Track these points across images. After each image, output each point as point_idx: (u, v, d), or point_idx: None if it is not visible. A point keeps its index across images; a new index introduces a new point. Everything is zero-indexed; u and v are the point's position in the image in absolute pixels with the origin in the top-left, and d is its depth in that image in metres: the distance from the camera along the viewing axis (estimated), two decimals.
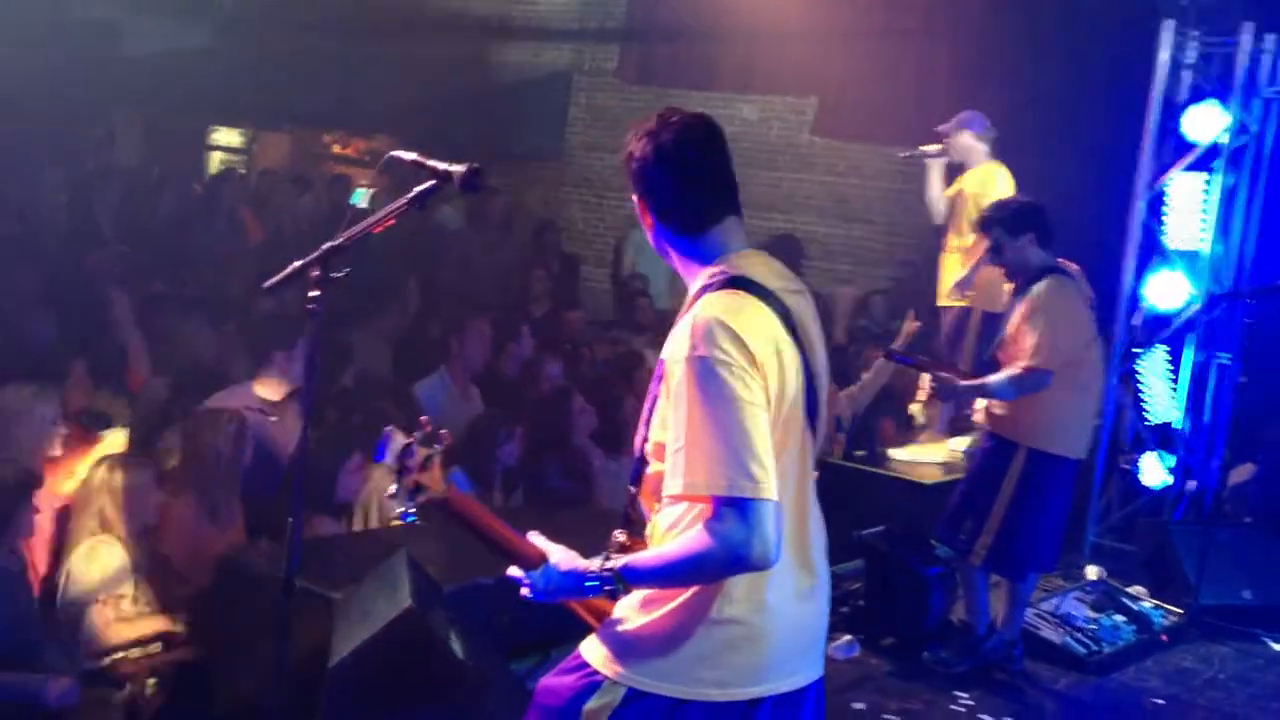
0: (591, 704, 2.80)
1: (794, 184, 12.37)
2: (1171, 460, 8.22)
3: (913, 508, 7.14)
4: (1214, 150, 7.92)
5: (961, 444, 7.66)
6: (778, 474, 2.64)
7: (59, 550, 4.97)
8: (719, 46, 11.62)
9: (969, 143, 7.71)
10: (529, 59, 13.18)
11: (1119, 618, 6.94)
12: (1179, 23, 7.84)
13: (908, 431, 8.54)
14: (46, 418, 5.25)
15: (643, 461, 2.89)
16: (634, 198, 2.97)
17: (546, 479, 6.25)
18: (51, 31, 9.60)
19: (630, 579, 2.76)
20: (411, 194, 3.30)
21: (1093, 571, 7.67)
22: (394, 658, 3.97)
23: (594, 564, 2.82)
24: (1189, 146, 7.98)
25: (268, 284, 3.51)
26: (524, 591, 2.92)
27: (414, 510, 2.96)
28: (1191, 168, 8.03)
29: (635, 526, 2.94)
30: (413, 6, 10.87)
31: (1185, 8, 7.74)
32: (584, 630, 3.00)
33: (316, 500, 5.68)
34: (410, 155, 3.34)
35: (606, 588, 2.80)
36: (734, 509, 2.57)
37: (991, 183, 7.52)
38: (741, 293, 2.75)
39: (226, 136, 14.32)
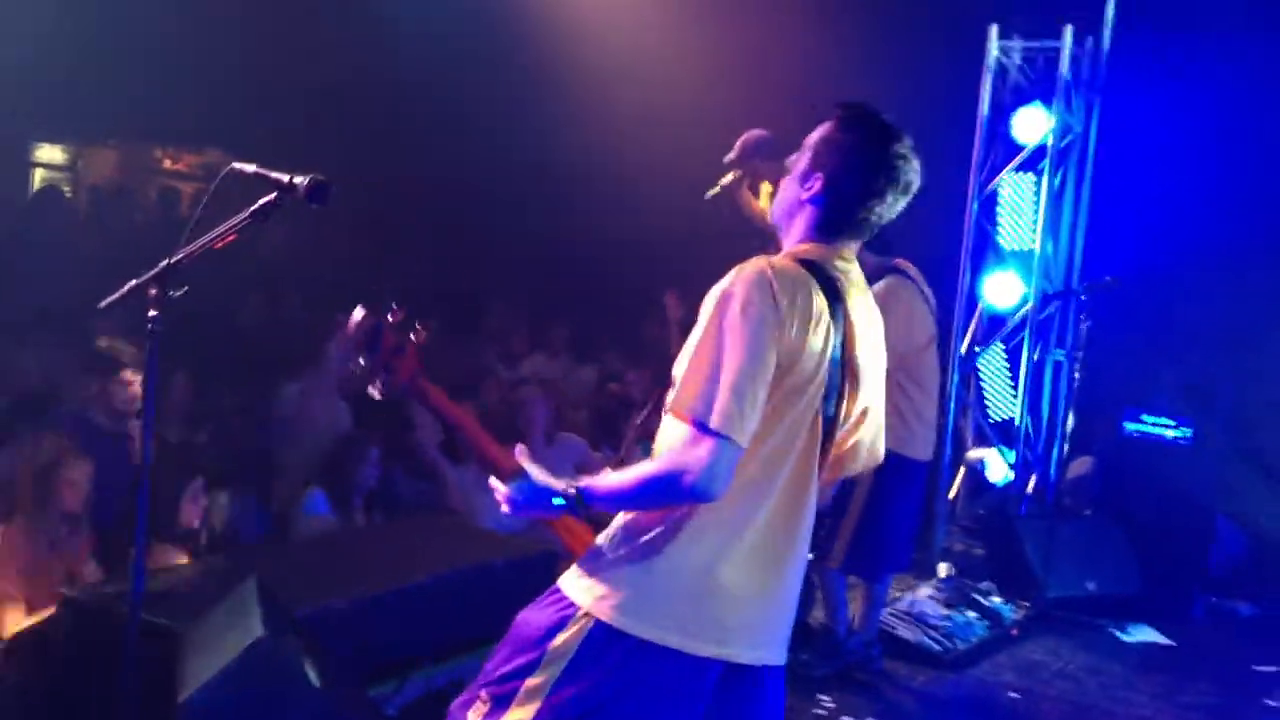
0: (559, 639, 2.84)
1: None
2: (1013, 456, 8.40)
3: None
4: (1041, 151, 8.15)
5: None
6: (774, 434, 2.77)
7: None
8: None
9: (764, 164, 7.54)
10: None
11: (971, 614, 7.07)
12: (1003, 27, 8.07)
13: None
14: None
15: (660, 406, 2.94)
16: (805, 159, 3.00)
17: (394, 486, 6.16)
18: None
19: (588, 498, 2.84)
20: (254, 207, 3.20)
21: (943, 569, 7.82)
22: (247, 689, 3.82)
23: (561, 482, 2.90)
24: (1018, 148, 8.21)
25: (103, 303, 3.38)
26: (504, 507, 3.00)
27: (383, 391, 3.08)
28: (1020, 168, 8.25)
29: None
30: (248, 11, 10.56)
31: (1008, 12, 7.95)
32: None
33: (159, 528, 5.48)
34: (250, 167, 3.24)
35: (569, 505, 2.87)
36: (700, 431, 2.66)
37: None
38: (802, 268, 2.86)
39: (49, 153, 13.80)
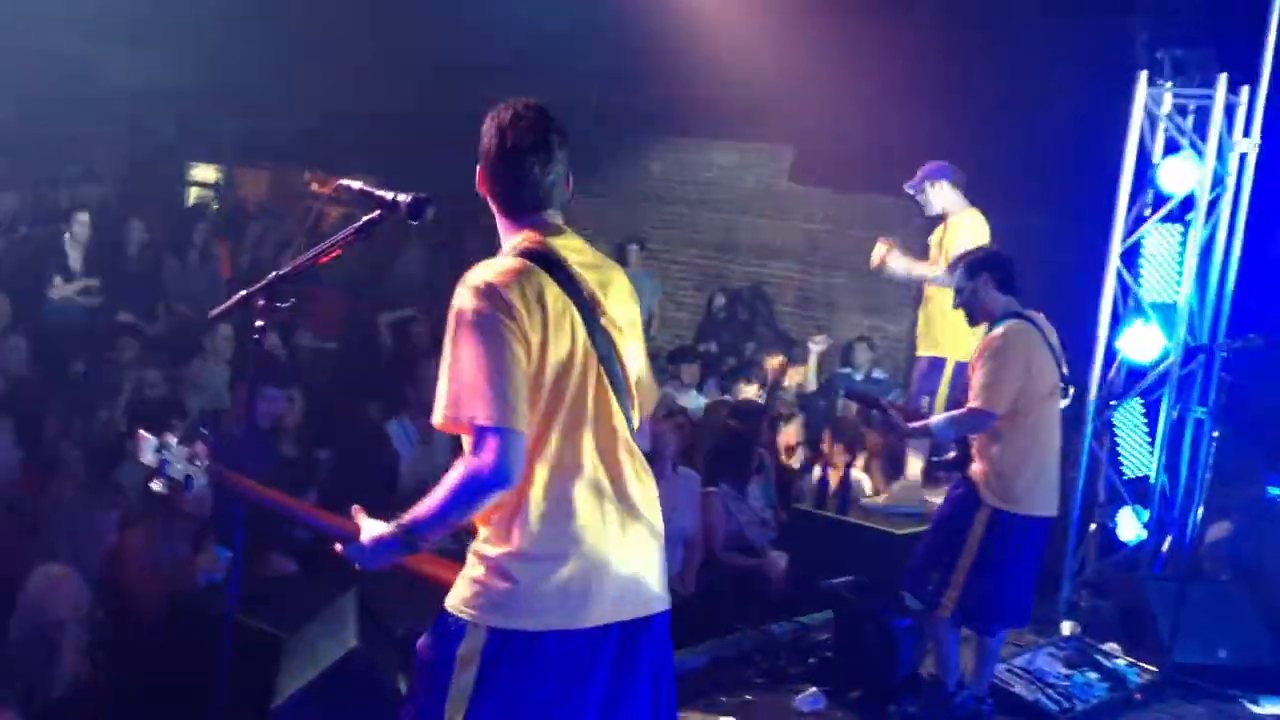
0: (461, 649, 3.05)
1: (771, 230, 12.37)
2: (1146, 515, 8.13)
3: (886, 558, 7.06)
4: (1189, 202, 7.88)
5: (938, 498, 7.58)
6: (558, 414, 3.05)
7: None
8: (695, 93, 11.61)
9: (948, 192, 7.72)
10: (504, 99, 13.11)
11: (1092, 675, 6.85)
12: (1152, 74, 7.83)
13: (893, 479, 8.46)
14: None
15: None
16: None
17: None
18: (30, 63, 9.55)
19: (416, 529, 3.04)
20: (358, 223, 3.28)
21: (1067, 627, 7.60)
22: (338, 698, 3.89)
23: (390, 527, 3.07)
24: (1164, 199, 7.95)
25: (213, 312, 3.50)
26: (355, 566, 3.17)
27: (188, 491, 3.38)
28: (1166, 220, 7.99)
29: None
30: (397, 46, 10.86)
31: (1159, 60, 7.72)
32: None
33: (274, 537, 5.61)
34: (358, 184, 3.32)
35: (404, 543, 3.05)
36: (483, 434, 2.92)
37: (971, 230, 7.50)
38: (520, 260, 3.10)
39: (203, 172, 14.29)
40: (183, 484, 3.35)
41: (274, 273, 3.34)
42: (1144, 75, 7.84)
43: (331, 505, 5.74)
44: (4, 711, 4.35)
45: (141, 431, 3.38)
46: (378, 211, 3.23)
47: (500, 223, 3.27)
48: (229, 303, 3.42)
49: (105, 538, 4.96)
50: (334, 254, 3.34)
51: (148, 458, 3.33)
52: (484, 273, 3.04)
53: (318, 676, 3.92)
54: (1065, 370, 5.96)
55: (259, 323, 3.34)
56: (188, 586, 5.03)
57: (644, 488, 3.23)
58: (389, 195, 3.22)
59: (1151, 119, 7.95)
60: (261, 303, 3.34)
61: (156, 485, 3.37)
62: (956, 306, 6.07)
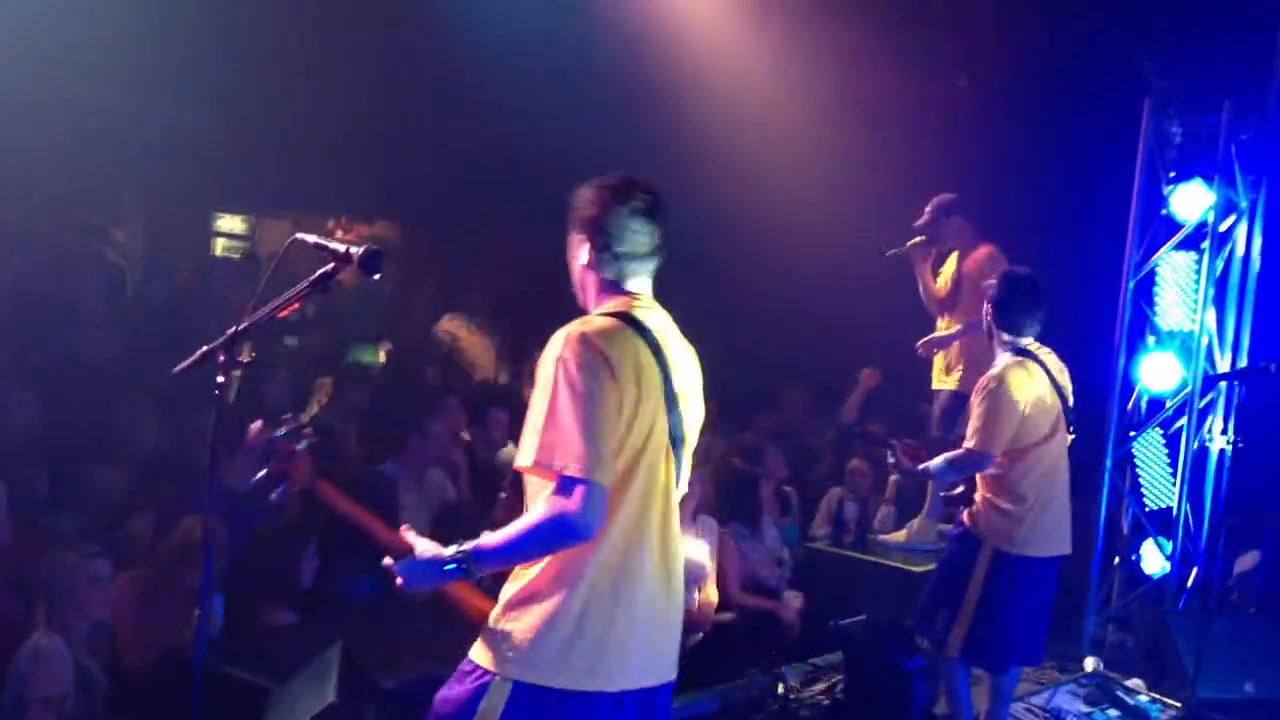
0: (484, 704, 3.08)
1: None
2: (1170, 547, 7.98)
3: (902, 596, 6.98)
4: (1202, 228, 7.79)
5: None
6: (636, 476, 3.11)
7: None
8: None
9: (960, 224, 7.69)
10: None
11: (1113, 713, 6.76)
12: (1159, 101, 7.74)
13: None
14: None
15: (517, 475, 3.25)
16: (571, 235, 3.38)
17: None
18: (60, 114, 9.68)
19: (479, 558, 3.11)
20: (313, 277, 3.29)
21: (1090, 663, 7.47)
22: None
23: (449, 550, 3.14)
24: (1177, 225, 7.86)
25: (177, 369, 3.49)
26: (397, 580, 3.23)
27: (280, 495, 3.37)
28: (1181, 246, 7.89)
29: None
30: (417, 87, 10.92)
31: (1165, 87, 7.63)
32: None
33: (275, 589, 5.60)
34: (312, 238, 3.33)
35: (461, 570, 3.11)
36: (570, 484, 2.98)
37: (988, 262, 7.45)
38: (618, 321, 3.19)
39: (229, 223, 14.43)
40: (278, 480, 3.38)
41: (233, 328, 3.34)
42: (1149, 102, 7.76)
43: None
44: None
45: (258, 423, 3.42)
46: (331, 265, 3.23)
47: (591, 287, 3.36)
48: (190, 359, 3.41)
49: (97, 598, 4.93)
50: (293, 307, 3.34)
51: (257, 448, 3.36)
52: (586, 328, 3.12)
53: None
54: (1071, 405, 5.85)
55: (219, 379, 3.34)
56: (180, 641, 5.01)
57: (679, 558, 3.31)
58: (342, 248, 3.22)
59: (1160, 146, 7.85)
60: (222, 358, 3.33)
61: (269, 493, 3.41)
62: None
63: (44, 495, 6.03)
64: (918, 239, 7.76)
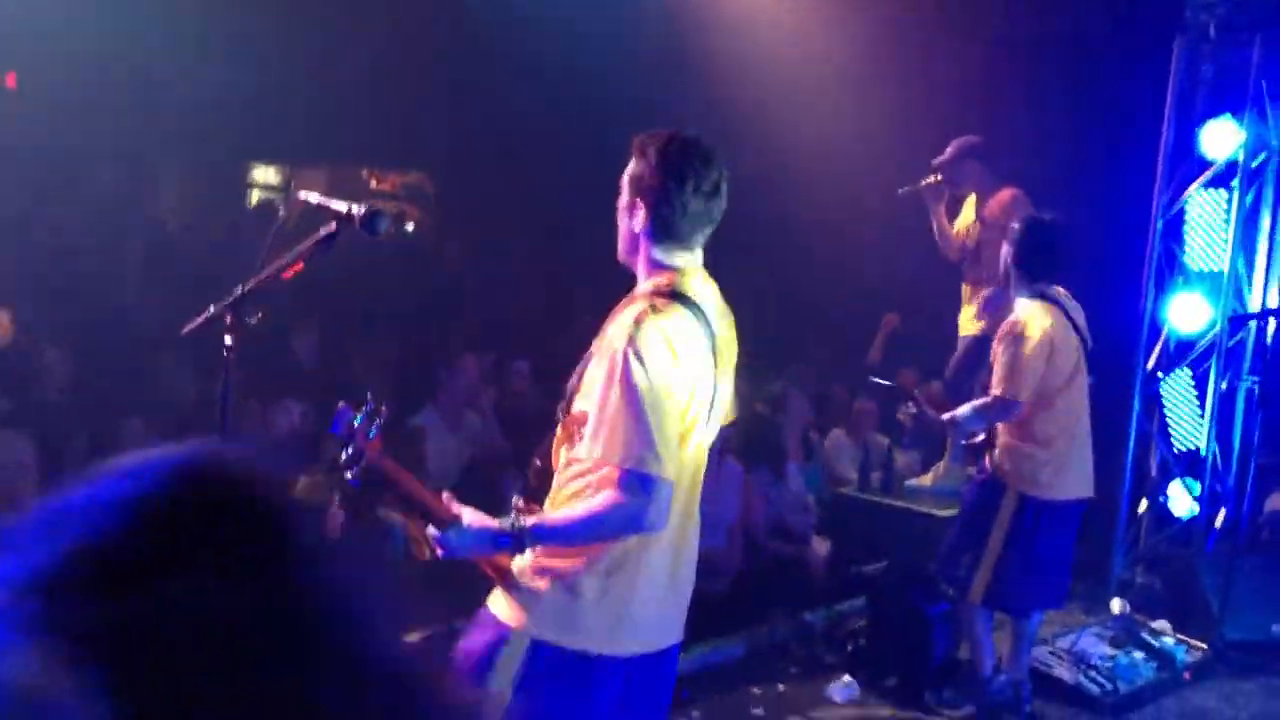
0: (502, 656, 3.11)
1: None
2: (1198, 488, 7.93)
3: (929, 541, 6.95)
4: (1232, 167, 7.65)
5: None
6: (680, 461, 3.09)
7: None
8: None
9: (976, 168, 7.50)
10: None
11: (1138, 654, 6.71)
12: (1191, 38, 7.58)
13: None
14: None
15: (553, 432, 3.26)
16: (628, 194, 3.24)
17: None
18: (98, 76, 9.68)
19: (539, 536, 3.09)
20: (316, 237, 3.28)
21: (1116, 605, 7.43)
22: None
23: (504, 523, 3.11)
24: (1206, 164, 7.72)
25: (185, 330, 3.49)
26: (438, 550, 3.20)
27: (356, 475, 3.29)
28: (1210, 185, 7.75)
29: (536, 493, 3.27)
30: (453, 37, 10.85)
31: (1196, 23, 7.47)
32: None
33: None
34: (315, 197, 3.32)
35: (513, 543, 3.10)
36: (639, 481, 2.97)
37: (1013, 204, 7.31)
38: (683, 306, 3.12)
39: (264, 173, 14.43)
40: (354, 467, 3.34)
41: (239, 288, 3.34)
42: (1180, 38, 7.60)
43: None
44: None
45: (344, 405, 3.35)
46: (333, 224, 3.22)
47: (643, 253, 3.22)
48: (198, 320, 3.42)
49: None
50: (296, 268, 3.33)
51: (343, 432, 3.29)
52: (656, 317, 3.04)
53: None
54: (1090, 346, 5.80)
55: (228, 339, 3.35)
56: None
57: (696, 520, 3.32)
58: (344, 208, 3.21)
59: (1191, 82, 7.71)
60: (229, 319, 3.34)
61: (346, 472, 3.35)
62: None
63: (83, 450, 6.08)
64: (932, 178, 7.57)
